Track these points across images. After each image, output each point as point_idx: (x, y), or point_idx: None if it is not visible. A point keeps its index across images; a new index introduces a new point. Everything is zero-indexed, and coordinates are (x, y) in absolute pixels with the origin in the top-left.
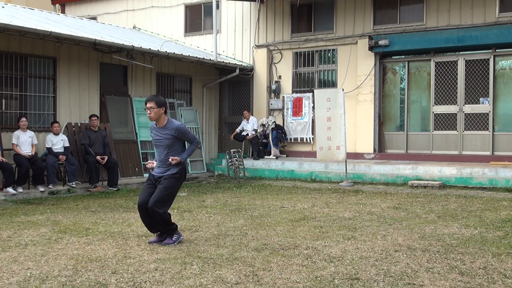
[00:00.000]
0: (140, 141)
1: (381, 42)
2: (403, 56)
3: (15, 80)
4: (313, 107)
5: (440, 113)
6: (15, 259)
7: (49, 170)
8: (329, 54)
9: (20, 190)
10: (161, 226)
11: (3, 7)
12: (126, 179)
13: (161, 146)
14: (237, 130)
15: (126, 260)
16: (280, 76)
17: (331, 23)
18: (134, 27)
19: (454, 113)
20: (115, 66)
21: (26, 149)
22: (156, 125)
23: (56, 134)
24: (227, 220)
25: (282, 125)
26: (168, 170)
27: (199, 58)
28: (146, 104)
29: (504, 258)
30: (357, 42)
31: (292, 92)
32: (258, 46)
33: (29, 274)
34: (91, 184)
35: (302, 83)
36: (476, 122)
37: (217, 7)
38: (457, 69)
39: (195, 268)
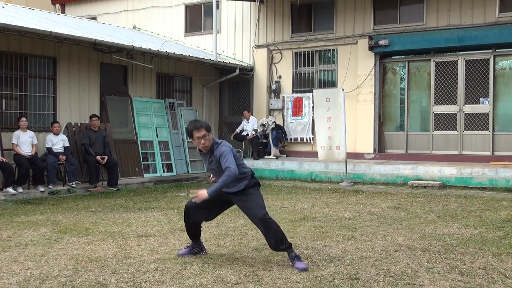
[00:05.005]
0: (140, 141)
1: (381, 42)
2: (403, 56)
3: (15, 80)
4: (313, 107)
5: (440, 113)
6: (15, 259)
7: (49, 170)
8: (329, 54)
9: (20, 190)
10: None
11: (3, 7)
12: (126, 179)
13: (217, 173)
14: (237, 130)
15: (126, 260)
16: (280, 76)
17: (331, 23)
18: (134, 27)
19: (454, 113)
20: (115, 66)
21: (26, 149)
22: (200, 150)
23: (56, 134)
24: (227, 220)
25: (282, 125)
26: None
27: (199, 58)
28: (193, 134)
29: (504, 258)
30: (357, 42)
31: (292, 92)
32: (258, 46)
33: (29, 274)
34: (91, 184)
35: (302, 83)
36: (476, 122)
37: (217, 7)
38: (457, 69)
39: (195, 268)
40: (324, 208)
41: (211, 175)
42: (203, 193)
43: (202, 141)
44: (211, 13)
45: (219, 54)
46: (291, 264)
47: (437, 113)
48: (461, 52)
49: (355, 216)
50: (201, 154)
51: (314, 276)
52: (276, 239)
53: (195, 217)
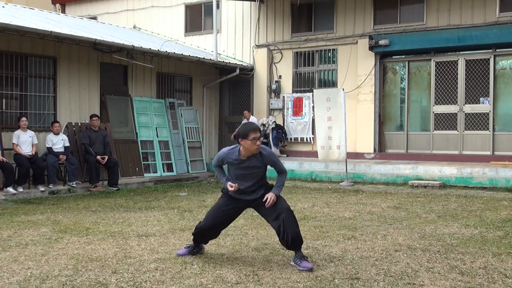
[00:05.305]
0: (140, 140)
1: (381, 42)
2: (403, 56)
3: (15, 80)
4: (314, 107)
5: (440, 113)
6: (16, 259)
7: (50, 169)
8: (329, 54)
9: (21, 189)
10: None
11: (3, 6)
12: (126, 179)
13: (251, 176)
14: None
15: (127, 259)
16: (280, 76)
17: (331, 23)
18: (134, 27)
19: (454, 113)
20: (115, 66)
21: (26, 149)
22: (239, 155)
23: (57, 133)
24: None
25: (282, 125)
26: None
27: (199, 58)
28: (249, 135)
29: (504, 258)
30: (357, 42)
31: (292, 92)
32: (258, 46)
33: (29, 273)
34: (91, 183)
35: (302, 83)
36: (476, 122)
37: (217, 7)
38: (457, 69)
39: (196, 268)
40: (324, 207)
41: (225, 183)
42: (273, 196)
43: (258, 142)
44: (211, 13)
45: (219, 54)
46: (292, 263)
47: (437, 113)
48: (461, 52)
49: (355, 216)
50: (237, 160)
51: (314, 275)
52: (293, 233)
53: (211, 237)
